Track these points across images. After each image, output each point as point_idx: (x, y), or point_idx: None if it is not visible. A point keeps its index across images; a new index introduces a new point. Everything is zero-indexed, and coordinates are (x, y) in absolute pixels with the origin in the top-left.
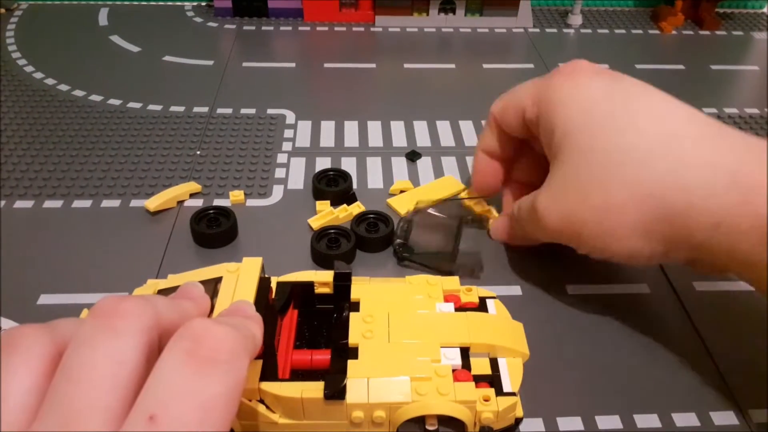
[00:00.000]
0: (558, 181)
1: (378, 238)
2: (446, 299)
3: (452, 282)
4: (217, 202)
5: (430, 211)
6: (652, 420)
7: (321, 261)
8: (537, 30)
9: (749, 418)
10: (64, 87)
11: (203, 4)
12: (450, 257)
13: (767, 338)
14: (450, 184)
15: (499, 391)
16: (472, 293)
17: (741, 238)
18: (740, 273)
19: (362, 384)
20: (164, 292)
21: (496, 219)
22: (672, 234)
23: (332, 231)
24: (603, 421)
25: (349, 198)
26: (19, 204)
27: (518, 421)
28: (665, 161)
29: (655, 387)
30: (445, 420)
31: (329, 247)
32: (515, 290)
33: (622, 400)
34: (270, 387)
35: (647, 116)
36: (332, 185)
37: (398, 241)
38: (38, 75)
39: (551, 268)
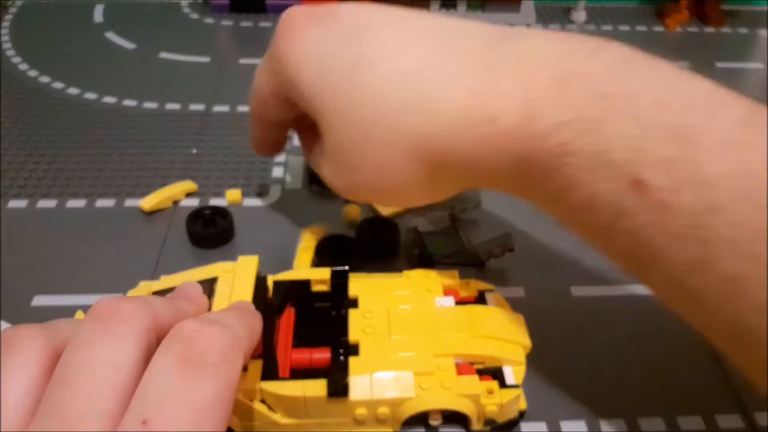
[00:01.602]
0: (328, 151)
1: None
2: (445, 293)
3: (451, 276)
4: (214, 201)
5: (419, 223)
6: (657, 424)
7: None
8: (540, 26)
9: (755, 421)
10: (58, 85)
11: (200, 0)
12: (470, 253)
13: None
14: None
15: (503, 384)
16: (470, 287)
17: (498, 176)
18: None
19: (365, 380)
20: (158, 293)
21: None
22: (444, 178)
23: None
24: (607, 425)
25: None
26: (13, 204)
27: (522, 413)
28: (428, 113)
29: (660, 390)
30: (448, 416)
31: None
32: (518, 292)
33: (627, 404)
34: (271, 386)
35: (395, 59)
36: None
37: (417, 251)
38: (32, 73)
39: (554, 269)
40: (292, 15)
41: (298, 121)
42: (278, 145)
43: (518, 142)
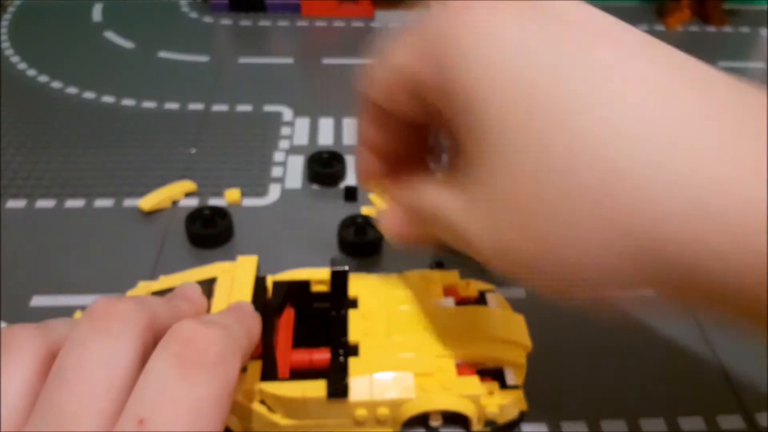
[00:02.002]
0: (486, 195)
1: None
2: (445, 293)
3: (451, 276)
4: (213, 201)
5: None
6: (658, 424)
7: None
8: None
9: (756, 422)
10: (57, 84)
11: None
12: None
13: None
14: None
15: (503, 385)
16: (471, 287)
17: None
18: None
19: (365, 381)
20: (157, 294)
21: (385, 211)
22: (669, 278)
23: (359, 219)
24: (608, 426)
25: (349, 193)
26: (11, 204)
27: (522, 414)
28: (661, 171)
29: (661, 390)
30: (449, 417)
31: (356, 236)
32: (519, 292)
33: (628, 404)
34: (271, 387)
35: (626, 93)
36: (326, 167)
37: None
38: (31, 72)
39: None
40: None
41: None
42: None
43: None
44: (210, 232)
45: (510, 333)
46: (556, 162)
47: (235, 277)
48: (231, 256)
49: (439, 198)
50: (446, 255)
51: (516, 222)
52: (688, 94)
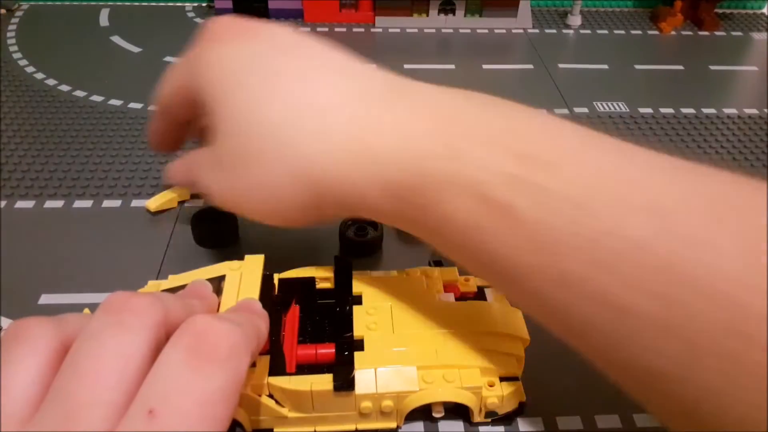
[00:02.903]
0: (217, 157)
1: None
2: (445, 289)
3: (450, 273)
4: None
5: None
6: (651, 419)
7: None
8: (536, 31)
9: None
10: (65, 87)
11: (204, 4)
12: None
13: None
14: None
15: (503, 377)
16: (470, 283)
17: (373, 207)
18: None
19: (370, 375)
20: (167, 292)
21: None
22: (326, 204)
23: (360, 219)
24: (602, 420)
25: None
26: (20, 204)
27: (522, 405)
28: (316, 140)
29: None
30: (450, 408)
31: (357, 235)
32: None
33: (622, 400)
34: (279, 381)
35: (298, 86)
36: None
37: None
38: (39, 75)
39: None
40: (218, 23)
41: (197, 129)
42: (174, 143)
43: (392, 172)
44: (216, 232)
45: (509, 327)
46: (252, 128)
47: (243, 275)
48: (237, 256)
49: (199, 163)
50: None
51: (229, 170)
52: (332, 83)
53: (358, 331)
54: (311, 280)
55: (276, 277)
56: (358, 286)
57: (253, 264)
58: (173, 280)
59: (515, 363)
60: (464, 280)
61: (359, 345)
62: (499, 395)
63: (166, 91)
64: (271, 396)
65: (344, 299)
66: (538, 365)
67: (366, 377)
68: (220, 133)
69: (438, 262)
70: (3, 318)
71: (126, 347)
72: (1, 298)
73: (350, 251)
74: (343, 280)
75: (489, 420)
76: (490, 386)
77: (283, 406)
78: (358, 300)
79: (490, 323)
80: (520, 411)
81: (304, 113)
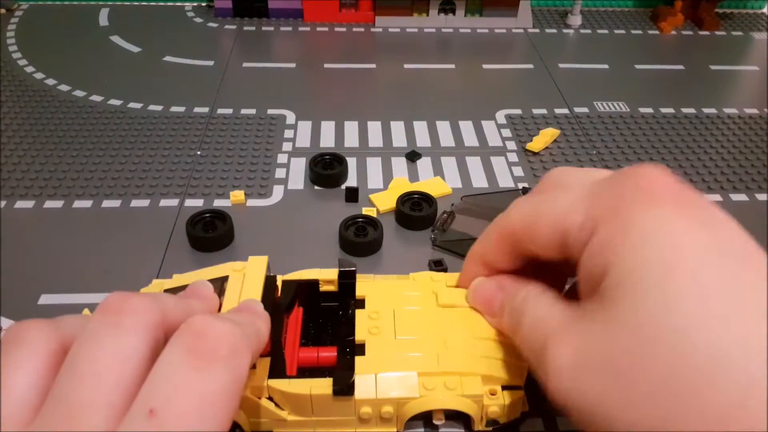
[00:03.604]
0: (601, 341)
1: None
2: None
3: (455, 278)
4: (218, 202)
5: (477, 200)
6: None
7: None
8: (537, 30)
9: None
10: (64, 87)
11: (203, 4)
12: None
13: None
14: (437, 185)
15: (506, 385)
16: None
17: None
18: None
19: (370, 380)
20: (170, 291)
21: (480, 283)
22: None
23: (360, 219)
24: None
25: (350, 194)
26: (20, 204)
27: (524, 414)
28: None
29: None
30: (452, 414)
31: (357, 235)
32: None
33: None
34: (278, 384)
35: (741, 318)
36: (328, 169)
37: (436, 230)
38: (39, 75)
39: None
40: (658, 178)
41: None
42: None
43: None
44: (210, 235)
45: None
46: (676, 353)
47: (246, 276)
48: (232, 258)
49: (550, 312)
50: (445, 252)
51: (622, 376)
52: None
53: (359, 336)
54: (315, 283)
55: (279, 278)
56: (361, 290)
57: (257, 265)
58: (177, 279)
59: (518, 371)
60: None
61: (360, 349)
62: (501, 404)
63: (539, 218)
64: (270, 398)
65: (347, 303)
66: None
67: (366, 382)
68: (614, 318)
69: (438, 262)
70: (3, 318)
71: (124, 348)
72: (1, 298)
73: (350, 251)
74: (346, 284)
75: (490, 429)
76: (492, 395)
77: (282, 409)
78: (361, 304)
79: (493, 330)
80: (523, 420)
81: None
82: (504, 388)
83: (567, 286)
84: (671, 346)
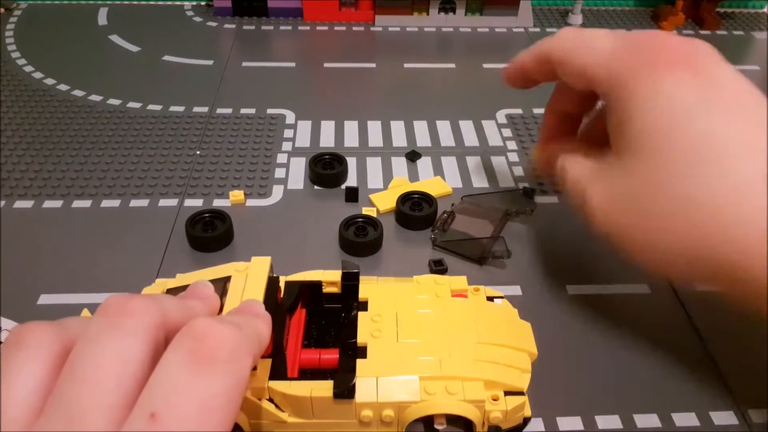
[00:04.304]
0: (620, 186)
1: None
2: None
3: (460, 282)
4: (217, 202)
5: (477, 200)
6: (651, 420)
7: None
8: (537, 29)
9: (749, 418)
10: (63, 87)
11: (203, 3)
12: (480, 244)
13: (767, 338)
14: (437, 185)
15: (508, 391)
16: (479, 293)
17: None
18: None
19: (371, 383)
20: (173, 291)
21: (541, 150)
22: (707, 274)
23: (360, 219)
24: (603, 421)
25: (350, 194)
26: (19, 204)
27: (526, 420)
28: (741, 212)
29: (655, 387)
30: (453, 419)
31: (357, 235)
32: (515, 290)
33: (622, 400)
34: (279, 386)
35: (744, 149)
36: (328, 169)
37: (436, 230)
38: (38, 75)
39: (551, 267)
40: (667, 42)
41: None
42: (529, 82)
43: None
44: (210, 235)
45: (516, 339)
46: (678, 186)
47: (249, 277)
48: (232, 258)
49: (582, 170)
50: (444, 252)
51: (637, 214)
52: None
53: (361, 338)
54: (318, 284)
55: (282, 279)
56: (364, 292)
57: (260, 266)
58: (180, 279)
59: (521, 377)
60: (474, 290)
61: (362, 352)
62: (503, 410)
63: (575, 51)
64: (271, 400)
65: (350, 305)
66: (539, 365)
67: (367, 385)
68: (632, 164)
69: (438, 262)
70: (2, 318)
71: (124, 350)
72: (1, 298)
73: (350, 251)
74: (349, 286)
75: None
76: (494, 400)
77: (283, 411)
78: (364, 306)
79: (497, 335)
80: (525, 425)
81: (743, 184)
82: (506, 393)
83: (583, 126)
84: (669, 187)
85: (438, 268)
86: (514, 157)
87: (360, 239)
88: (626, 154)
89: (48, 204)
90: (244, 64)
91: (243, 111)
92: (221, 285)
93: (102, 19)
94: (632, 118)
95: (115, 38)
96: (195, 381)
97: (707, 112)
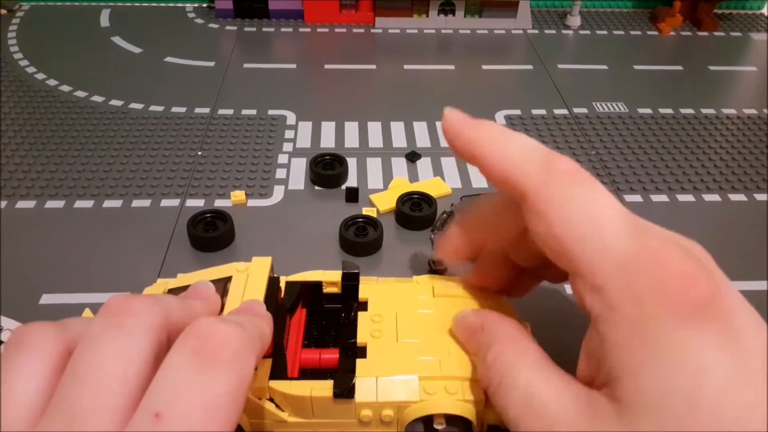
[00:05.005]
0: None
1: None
2: None
3: (458, 282)
4: (219, 202)
5: (476, 200)
6: None
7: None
8: (536, 31)
9: None
10: (65, 88)
11: (204, 5)
12: None
13: None
14: (437, 186)
15: None
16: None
17: None
18: None
19: (371, 383)
20: (174, 291)
21: (464, 316)
22: None
23: (360, 219)
24: None
25: (350, 194)
26: (21, 204)
27: None
28: None
29: None
30: (452, 419)
31: (357, 235)
32: None
33: None
34: (279, 385)
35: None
36: (328, 169)
37: (436, 230)
38: (40, 76)
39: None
40: (677, 277)
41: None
42: (468, 256)
43: None
44: (211, 235)
45: None
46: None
47: (250, 277)
48: (233, 258)
49: (550, 403)
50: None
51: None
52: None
53: (361, 338)
54: (318, 284)
55: (283, 279)
56: (364, 292)
57: (260, 266)
58: (182, 279)
59: None
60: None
61: (362, 352)
62: None
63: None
64: (271, 400)
65: (350, 305)
66: None
67: (367, 385)
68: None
69: (438, 262)
70: (4, 318)
71: (126, 350)
72: (2, 298)
73: (350, 251)
74: (349, 286)
75: None
76: None
77: (283, 411)
78: (364, 306)
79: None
80: None
81: None
82: None
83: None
84: None
85: (438, 268)
86: None
87: (360, 239)
88: (635, 414)
89: (50, 204)
90: (246, 65)
91: (244, 112)
92: (222, 285)
93: (104, 20)
94: (645, 372)
95: (117, 40)
96: (199, 381)
97: (744, 384)
